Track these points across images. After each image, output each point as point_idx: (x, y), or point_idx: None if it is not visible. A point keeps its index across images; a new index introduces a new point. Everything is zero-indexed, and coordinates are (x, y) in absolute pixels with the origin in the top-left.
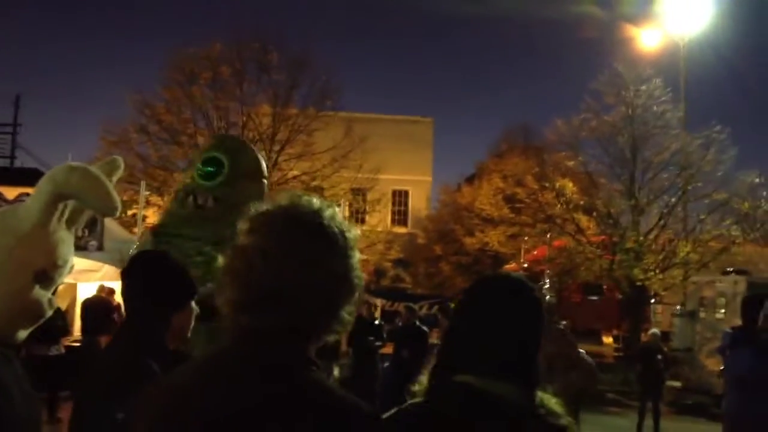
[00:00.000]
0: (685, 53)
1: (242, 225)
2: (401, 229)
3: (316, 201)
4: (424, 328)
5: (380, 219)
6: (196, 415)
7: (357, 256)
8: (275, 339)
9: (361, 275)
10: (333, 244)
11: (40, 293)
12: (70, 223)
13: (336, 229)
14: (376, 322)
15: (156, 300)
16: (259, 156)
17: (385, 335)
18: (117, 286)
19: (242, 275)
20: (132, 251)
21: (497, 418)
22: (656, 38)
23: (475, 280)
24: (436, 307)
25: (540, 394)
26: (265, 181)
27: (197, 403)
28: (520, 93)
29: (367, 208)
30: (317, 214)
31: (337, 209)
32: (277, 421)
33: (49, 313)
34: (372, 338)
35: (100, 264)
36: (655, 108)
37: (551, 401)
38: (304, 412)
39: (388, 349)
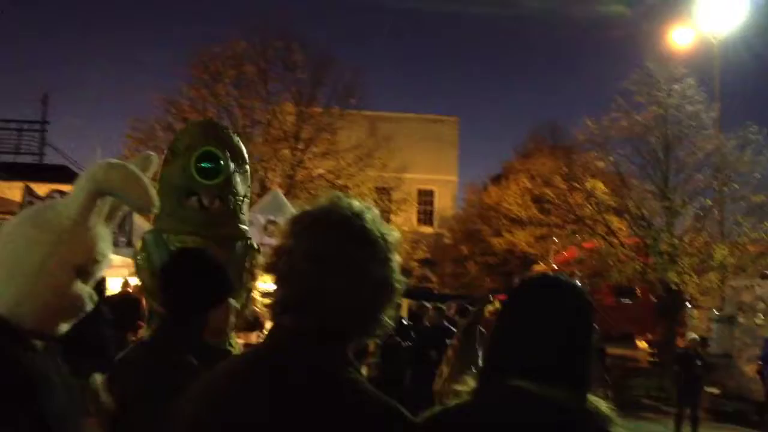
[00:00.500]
0: (718, 52)
1: (285, 226)
2: (427, 229)
3: (357, 203)
4: (453, 328)
5: (406, 218)
6: (229, 416)
7: (397, 260)
8: (313, 339)
9: (401, 279)
10: (374, 248)
11: (81, 287)
12: (108, 219)
13: (377, 233)
14: (404, 321)
15: (195, 297)
16: (237, 137)
17: (413, 335)
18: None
19: (285, 276)
20: (137, 255)
21: (548, 422)
22: (689, 37)
23: (521, 281)
24: None
25: (591, 397)
26: (248, 166)
27: (231, 402)
28: (547, 92)
29: (393, 207)
30: (359, 216)
31: (377, 212)
32: (310, 421)
33: (90, 307)
34: (399, 338)
35: (128, 260)
36: (688, 108)
37: (602, 404)
38: (337, 412)
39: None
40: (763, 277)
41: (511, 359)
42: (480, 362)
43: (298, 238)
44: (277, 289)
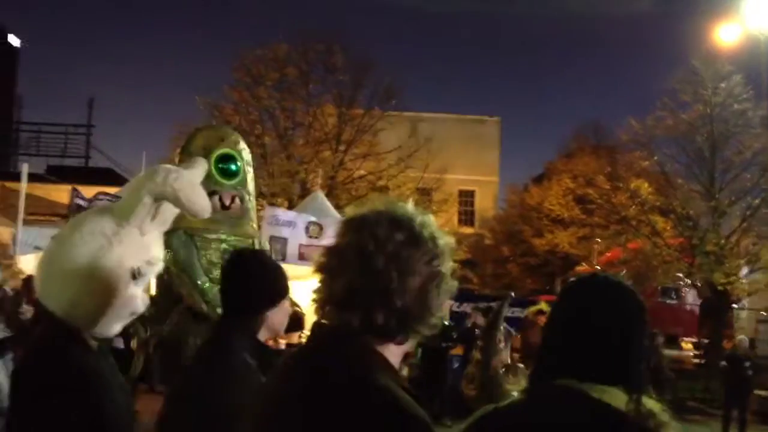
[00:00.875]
0: (766, 48)
1: (339, 227)
2: (468, 230)
3: (410, 207)
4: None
5: (447, 219)
6: (276, 416)
7: (449, 264)
8: (355, 339)
9: (452, 283)
10: (424, 250)
11: (135, 290)
12: (161, 223)
13: (428, 235)
14: (445, 322)
15: (254, 298)
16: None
17: (455, 336)
18: None
19: (335, 273)
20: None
21: (598, 423)
22: (735, 33)
23: (571, 281)
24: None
25: (645, 400)
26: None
27: (276, 403)
28: (589, 92)
29: (434, 208)
30: (412, 219)
31: (431, 217)
32: (336, 424)
33: (143, 308)
34: (441, 339)
35: None
36: (735, 106)
37: (656, 407)
38: (360, 418)
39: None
40: None
41: (561, 359)
42: (508, 361)
43: (352, 236)
44: (322, 285)
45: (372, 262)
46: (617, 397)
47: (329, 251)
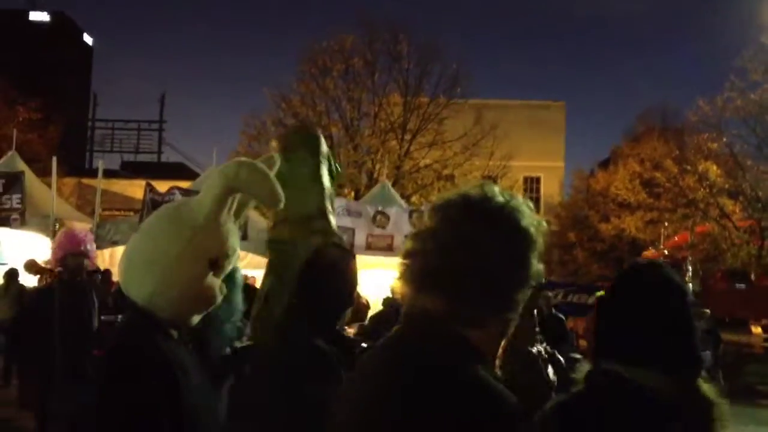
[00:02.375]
0: None
1: (425, 212)
2: None
3: (496, 190)
4: (561, 315)
5: None
6: (355, 396)
7: (536, 248)
8: (437, 321)
9: (538, 268)
10: (504, 233)
11: (213, 280)
12: (236, 216)
13: (512, 218)
14: None
15: (336, 288)
16: None
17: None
18: (258, 274)
19: (416, 257)
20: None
21: (637, 406)
22: None
23: (621, 270)
24: (572, 295)
25: (698, 382)
26: None
27: (359, 384)
28: (655, 74)
29: None
30: (492, 201)
31: (522, 200)
32: (418, 407)
33: (220, 299)
34: None
35: (244, 253)
36: None
37: (707, 388)
38: (449, 398)
39: None
40: None
41: (607, 343)
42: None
43: (432, 220)
44: (404, 269)
45: (446, 245)
46: (658, 380)
47: (412, 236)
